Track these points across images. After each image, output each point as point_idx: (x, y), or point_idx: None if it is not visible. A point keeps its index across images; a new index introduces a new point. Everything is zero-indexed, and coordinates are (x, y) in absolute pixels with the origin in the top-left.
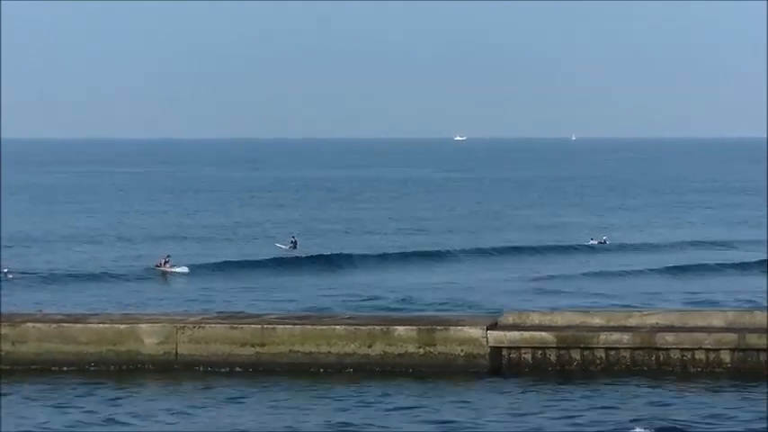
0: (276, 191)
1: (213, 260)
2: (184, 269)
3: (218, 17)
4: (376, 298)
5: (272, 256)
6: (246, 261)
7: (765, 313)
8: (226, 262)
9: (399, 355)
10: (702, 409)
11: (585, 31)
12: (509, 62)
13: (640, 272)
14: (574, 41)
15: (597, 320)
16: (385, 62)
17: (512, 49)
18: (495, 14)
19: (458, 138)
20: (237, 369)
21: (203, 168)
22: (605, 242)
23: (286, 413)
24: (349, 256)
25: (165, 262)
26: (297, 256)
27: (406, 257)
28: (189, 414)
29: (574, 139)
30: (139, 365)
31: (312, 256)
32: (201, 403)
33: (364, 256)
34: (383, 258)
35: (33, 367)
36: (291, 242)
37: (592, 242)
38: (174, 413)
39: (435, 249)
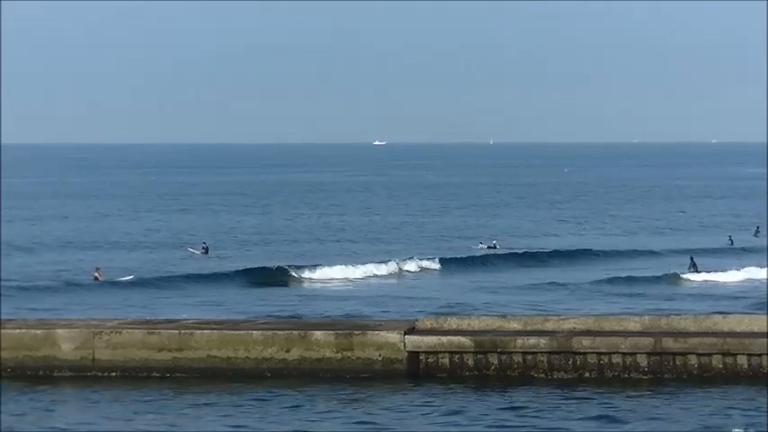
0: (184, 196)
1: (125, 266)
2: (129, 277)
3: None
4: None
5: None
6: (161, 267)
7: (681, 318)
8: (140, 268)
9: (317, 359)
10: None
11: (516, 31)
12: (429, 66)
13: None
14: (502, 42)
15: (514, 325)
16: (307, 67)
17: (437, 54)
18: (431, 17)
19: (377, 142)
20: (155, 374)
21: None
22: (495, 246)
23: (203, 418)
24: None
25: (97, 268)
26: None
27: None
28: (104, 418)
29: (492, 143)
30: (56, 371)
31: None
32: (117, 408)
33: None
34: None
35: None
36: (203, 248)
37: (480, 246)
38: (88, 421)
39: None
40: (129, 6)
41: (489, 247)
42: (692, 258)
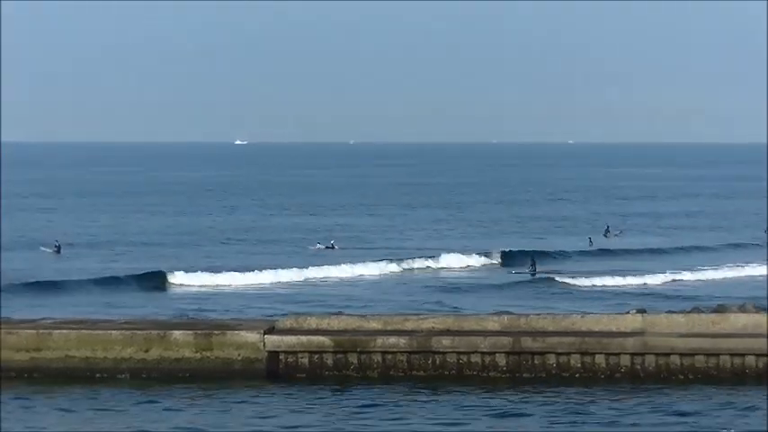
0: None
1: None
2: None
3: None
4: None
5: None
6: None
7: (540, 318)
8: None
9: (176, 359)
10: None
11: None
12: (303, 64)
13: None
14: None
15: (374, 324)
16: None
17: (313, 53)
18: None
19: (238, 141)
20: (12, 374)
21: None
22: (333, 246)
23: (61, 419)
24: None
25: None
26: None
27: None
28: None
29: (352, 143)
30: None
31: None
32: None
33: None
34: None
35: None
36: (55, 246)
37: (318, 246)
38: None
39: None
40: None
41: (327, 247)
42: (532, 258)
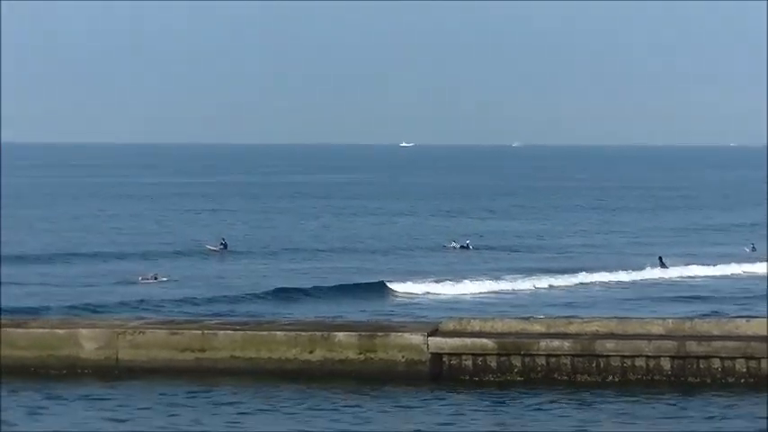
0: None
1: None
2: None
3: None
4: None
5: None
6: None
7: (704, 322)
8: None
9: (340, 360)
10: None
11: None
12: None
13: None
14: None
15: (537, 327)
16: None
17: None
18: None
19: (404, 144)
20: (178, 374)
21: None
22: (468, 246)
23: (227, 417)
24: None
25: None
26: None
27: None
28: (129, 418)
29: (515, 145)
30: (79, 370)
31: None
32: (141, 408)
33: None
34: None
35: None
36: (221, 244)
37: (453, 245)
38: (111, 419)
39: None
40: None
41: (462, 247)
42: (660, 258)
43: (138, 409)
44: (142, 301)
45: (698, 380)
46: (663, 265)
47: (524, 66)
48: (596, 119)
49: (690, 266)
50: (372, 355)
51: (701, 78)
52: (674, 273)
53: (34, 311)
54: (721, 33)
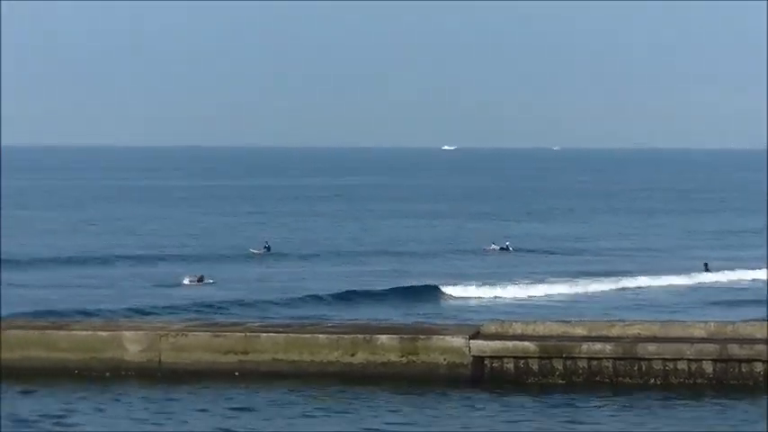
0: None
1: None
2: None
3: None
4: None
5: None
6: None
7: (747, 325)
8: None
9: (382, 363)
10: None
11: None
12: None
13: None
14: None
15: (579, 330)
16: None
17: (503, 58)
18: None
19: (446, 147)
20: (221, 377)
21: None
22: (508, 248)
23: (270, 419)
24: None
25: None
26: None
27: None
28: (171, 419)
29: (557, 149)
30: (122, 373)
31: None
32: (186, 410)
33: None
34: None
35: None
36: (265, 247)
37: (493, 247)
38: (157, 421)
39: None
40: None
41: (502, 249)
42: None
43: (183, 411)
44: (193, 302)
45: (740, 383)
46: (707, 270)
47: (524, 66)
48: (596, 119)
49: (734, 270)
50: (414, 358)
51: (701, 78)
52: (717, 277)
53: (80, 313)
54: (721, 33)
